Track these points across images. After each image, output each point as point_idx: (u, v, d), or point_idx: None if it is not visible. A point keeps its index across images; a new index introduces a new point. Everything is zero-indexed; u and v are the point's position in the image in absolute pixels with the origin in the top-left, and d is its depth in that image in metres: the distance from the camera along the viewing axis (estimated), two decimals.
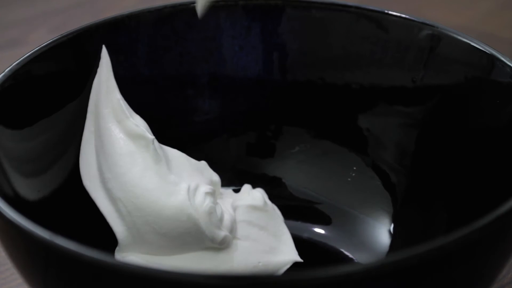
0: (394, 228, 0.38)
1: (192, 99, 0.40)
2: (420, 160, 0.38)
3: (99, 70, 0.36)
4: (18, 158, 0.33)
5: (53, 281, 0.28)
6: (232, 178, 0.40)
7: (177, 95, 0.40)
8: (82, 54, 0.37)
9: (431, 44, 0.37)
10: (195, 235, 0.34)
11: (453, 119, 0.36)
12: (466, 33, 0.36)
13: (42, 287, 0.29)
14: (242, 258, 0.35)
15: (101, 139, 0.35)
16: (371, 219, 0.39)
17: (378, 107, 0.39)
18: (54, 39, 0.36)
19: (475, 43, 0.36)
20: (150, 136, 0.34)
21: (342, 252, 0.38)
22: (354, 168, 0.40)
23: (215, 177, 0.37)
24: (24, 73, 0.34)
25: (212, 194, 0.35)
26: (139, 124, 0.35)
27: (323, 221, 0.39)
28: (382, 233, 0.38)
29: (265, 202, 0.37)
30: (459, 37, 0.36)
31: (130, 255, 0.34)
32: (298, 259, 0.36)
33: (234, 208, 0.36)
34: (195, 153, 0.39)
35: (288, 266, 0.36)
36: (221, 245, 0.34)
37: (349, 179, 0.40)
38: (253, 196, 0.37)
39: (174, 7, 0.39)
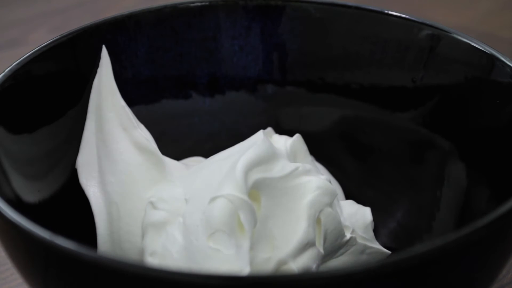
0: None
1: (192, 99, 0.40)
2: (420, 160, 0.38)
3: (99, 70, 0.36)
4: (18, 158, 0.33)
5: (53, 281, 0.28)
6: None
7: (177, 95, 0.40)
8: (82, 54, 0.37)
9: (431, 44, 0.37)
10: None
11: (453, 119, 0.36)
12: (466, 33, 0.36)
13: (42, 287, 0.29)
14: None
15: (105, 143, 0.35)
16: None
17: (378, 107, 0.39)
18: (54, 39, 0.36)
19: (475, 43, 0.36)
20: (160, 154, 0.34)
21: None
22: None
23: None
24: (24, 73, 0.34)
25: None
26: (148, 138, 0.35)
27: None
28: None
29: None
30: (459, 37, 0.36)
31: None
32: None
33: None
34: (195, 153, 0.39)
35: None
36: None
37: None
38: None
39: (174, 7, 0.39)
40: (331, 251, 0.33)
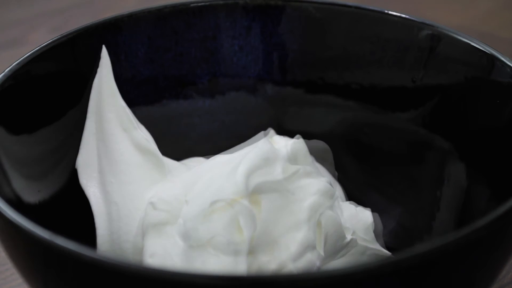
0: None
1: (192, 99, 0.40)
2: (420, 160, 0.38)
3: (99, 70, 0.36)
4: (18, 158, 0.33)
5: (53, 281, 0.28)
6: None
7: (177, 95, 0.40)
8: (82, 54, 0.37)
9: (431, 44, 0.37)
10: None
11: (453, 119, 0.36)
12: (466, 33, 0.36)
13: (42, 287, 0.29)
14: None
15: (105, 144, 0.35)
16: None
17: (378, 107, 0.39)
18: (54, 39, 0.36)
19: (475, 43, 0.36)
20: (160, 154, 0.34)
21: None
22: None
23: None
24: (24, 73, 0.34)
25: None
26: (148, 139, 0.35)
27: None
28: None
29: None
30: (459, 37, 0.36)
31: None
32: None
33: None
34: (195, 153, 0.39)
35: None
36: None
37: None
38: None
39: (174, 7, 0.39)
40: (332, 253, 0.33)
